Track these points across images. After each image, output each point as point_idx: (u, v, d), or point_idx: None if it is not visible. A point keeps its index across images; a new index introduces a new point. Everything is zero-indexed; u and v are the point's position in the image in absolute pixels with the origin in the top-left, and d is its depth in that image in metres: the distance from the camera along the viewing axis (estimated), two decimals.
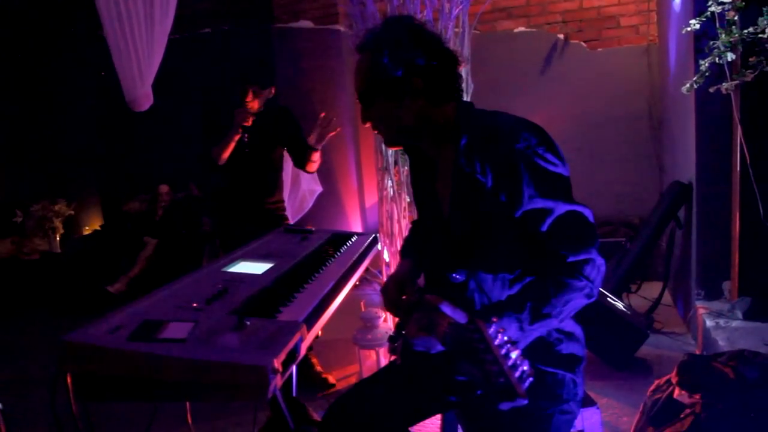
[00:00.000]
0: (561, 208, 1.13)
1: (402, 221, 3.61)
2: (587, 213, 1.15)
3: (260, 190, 2.81)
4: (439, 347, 1.05)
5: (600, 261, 1.13)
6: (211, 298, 1.31)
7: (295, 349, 1.08)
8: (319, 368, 2.83)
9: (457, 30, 3.48)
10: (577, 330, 1.29)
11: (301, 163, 2.76)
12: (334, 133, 2.64)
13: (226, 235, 2.94)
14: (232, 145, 2.63)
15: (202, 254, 4.78)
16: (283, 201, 2.94)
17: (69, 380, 1.05)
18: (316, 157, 2.68)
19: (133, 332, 1.09)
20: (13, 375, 3.31)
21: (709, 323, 2.68)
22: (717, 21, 2.55)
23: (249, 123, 2.59)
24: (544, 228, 1.13)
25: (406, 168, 3.35)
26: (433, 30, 1.28)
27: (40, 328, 4.26)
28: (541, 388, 1.21)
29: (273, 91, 2.71)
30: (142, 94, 3.44)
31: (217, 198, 2.94)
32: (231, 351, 1.02)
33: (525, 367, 0.92)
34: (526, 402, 0.89)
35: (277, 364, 0.99)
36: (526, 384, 0.91)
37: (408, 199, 3.58)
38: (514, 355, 0.92)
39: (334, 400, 1.36)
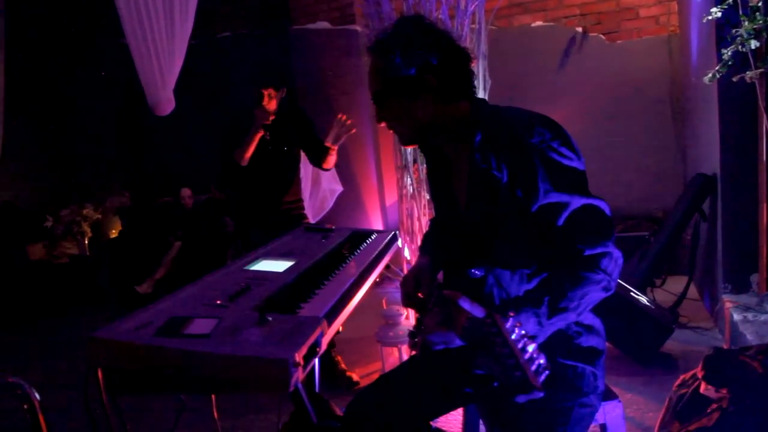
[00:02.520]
0: (577, 202, 1.13)
1: (422, 219, 3.62)
2: (603, 206, 1.15)
3: (279, 190, 2.87)
4: (458, 342, 1.06)
5: (617, 254, 1.12)
6: (234, 295, 1.34)
7: (316, 344, 1.10)
8: (343, 366, 2.86)
9: (473, 26, 3.47)
10: (597, 323, 1.28)
11: (316, 160, 2.85)
12: (348, 134, 2.73)
13: (246, 236, 3.00)
14: (254, 144, 2.70)
15: (225, 255, 4.86)
16: (301, 200, 2.99)
17: (100, 375, 1.09)
18: (332, 155, 2.77)
19: (160, 328, 1.12)
20: (48, 371, 3.42)
21: (736, 317, 2.62)
22: (740, 8, 2.50)
23: (269, 121, 2.69)
24: (561, 222, 1.13)
25: (425, 166, 3.36)
26: (446, 27, 1.28)
27: (72, 328, 4.39)
28: (561, 381, 1.21)
29: (285, 92, 2.79)
30: (165, 99, 3.53)
31: (238, 200, 3.00)
32: (253, 345, 1.05)
33: (541, 361, 0.93)
34: (542, 395, 0.90)
35: (298, 357, 1.01)
36: (542, 377, 0.92)
37: (428, 197, 3.58)
38: (530, 348, 0.93)
39: (355, 394, 1.38)
